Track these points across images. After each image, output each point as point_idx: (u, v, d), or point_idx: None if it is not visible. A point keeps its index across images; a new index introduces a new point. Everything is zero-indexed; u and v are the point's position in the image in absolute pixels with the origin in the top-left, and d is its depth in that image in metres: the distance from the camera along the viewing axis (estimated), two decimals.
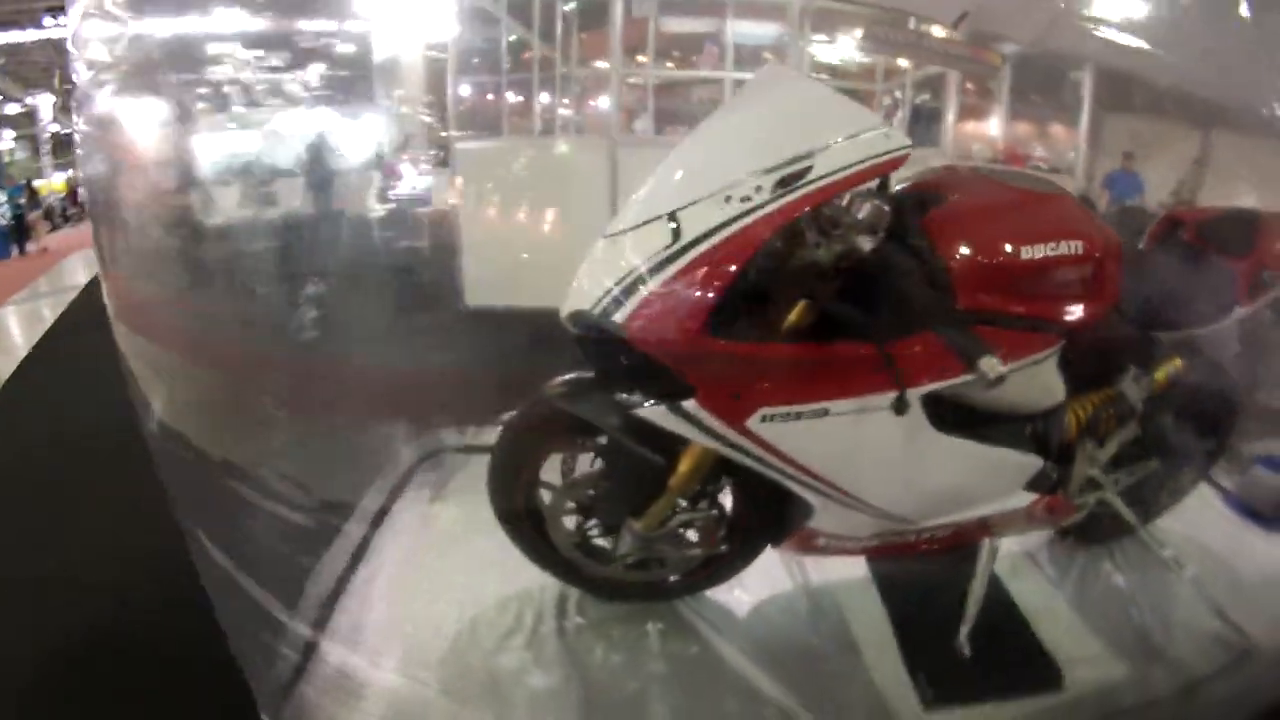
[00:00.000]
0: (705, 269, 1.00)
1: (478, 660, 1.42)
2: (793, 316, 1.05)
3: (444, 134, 2.98)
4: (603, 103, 3.81)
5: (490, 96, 3.01)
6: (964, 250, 1.09)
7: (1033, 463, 1.28)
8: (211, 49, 2.00)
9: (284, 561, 1.52)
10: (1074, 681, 1.36)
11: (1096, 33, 1.44)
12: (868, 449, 1.14)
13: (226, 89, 2.16)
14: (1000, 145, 3.28)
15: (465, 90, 2.79)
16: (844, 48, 4.10)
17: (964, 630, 1.43)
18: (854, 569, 1.64)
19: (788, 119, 1.11)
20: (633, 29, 3.72)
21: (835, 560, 1.56)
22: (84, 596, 2.03)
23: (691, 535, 1.40)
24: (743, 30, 4.16)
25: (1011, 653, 1.44)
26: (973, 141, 3.46)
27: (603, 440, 1.36)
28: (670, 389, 1.10)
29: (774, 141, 1.05)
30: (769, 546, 1.47)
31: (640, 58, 4.07)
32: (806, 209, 0.99)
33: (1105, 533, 1.67)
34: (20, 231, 11.13)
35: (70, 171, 16.44)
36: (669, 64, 4.48)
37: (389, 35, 2.33)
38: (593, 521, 1.45)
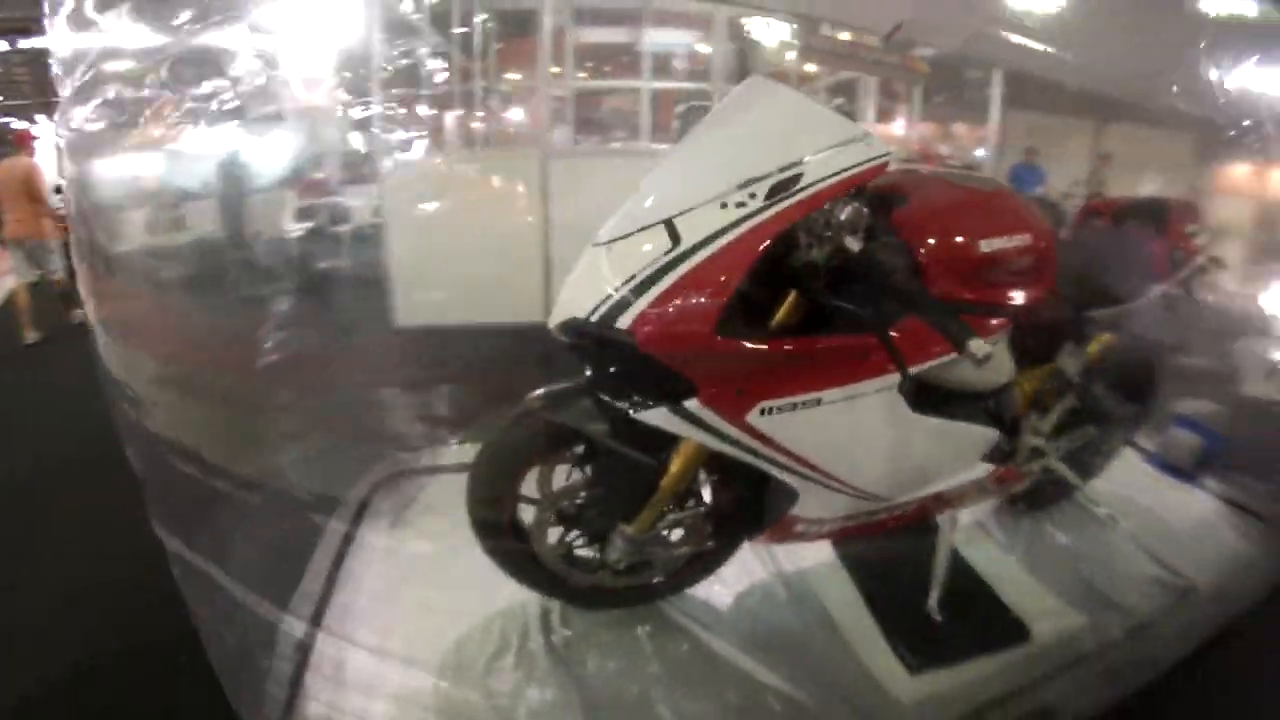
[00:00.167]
0: (713, 272, 1.06)
1: (472, 686, 1.41)
2: (782, 312, 1.13)
3: (366, 149, 2.92)
4: (519, 114, 3.85)
5: (415, 110, 2.98)
6: (931, 244, 1.21)
7: (991, 435, 1.41)
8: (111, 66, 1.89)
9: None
10: (1039, 634, 1.51)
11: (1010, 40, 1.62)
12: (854, 433, 1.23)
13: (129, 106, 2.05)
14: (914, 145, 3.54)
15: (390, 103, 2.74)
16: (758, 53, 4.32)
17: (933, 598, 1.56)
18: (821, 554, 1.75)
19: (775, 129, 1.18)
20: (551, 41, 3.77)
21: (804, 547, 1.66)
22: None
23: (679, 534, 1.44)
24: (659, 39, 4.30)
25: (979, 614, 1.58)
26: (888, 143, 3.70)
27: (587, 449, 1.39)
28: (670, 391, 1.14)
29: (763, 151, 1.12)
30: (748, 539, 1.53)
31: (554, 69, 4.12)
32: (804, 213, 1.07)
33: (1046, 498, 1.85)
34: None
35: None
36: (581, 74, 4.56)
37: (307, 47, 2.27)
38: (577, 531, 1.46)
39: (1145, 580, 1.64)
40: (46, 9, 1.35)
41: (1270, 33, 1.56)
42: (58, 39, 1.38)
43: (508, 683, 1.42)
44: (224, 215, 2.45)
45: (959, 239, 1.24)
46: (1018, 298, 1.30)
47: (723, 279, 1.06)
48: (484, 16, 3.46)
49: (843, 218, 1.05)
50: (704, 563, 1.55)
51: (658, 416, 1.16)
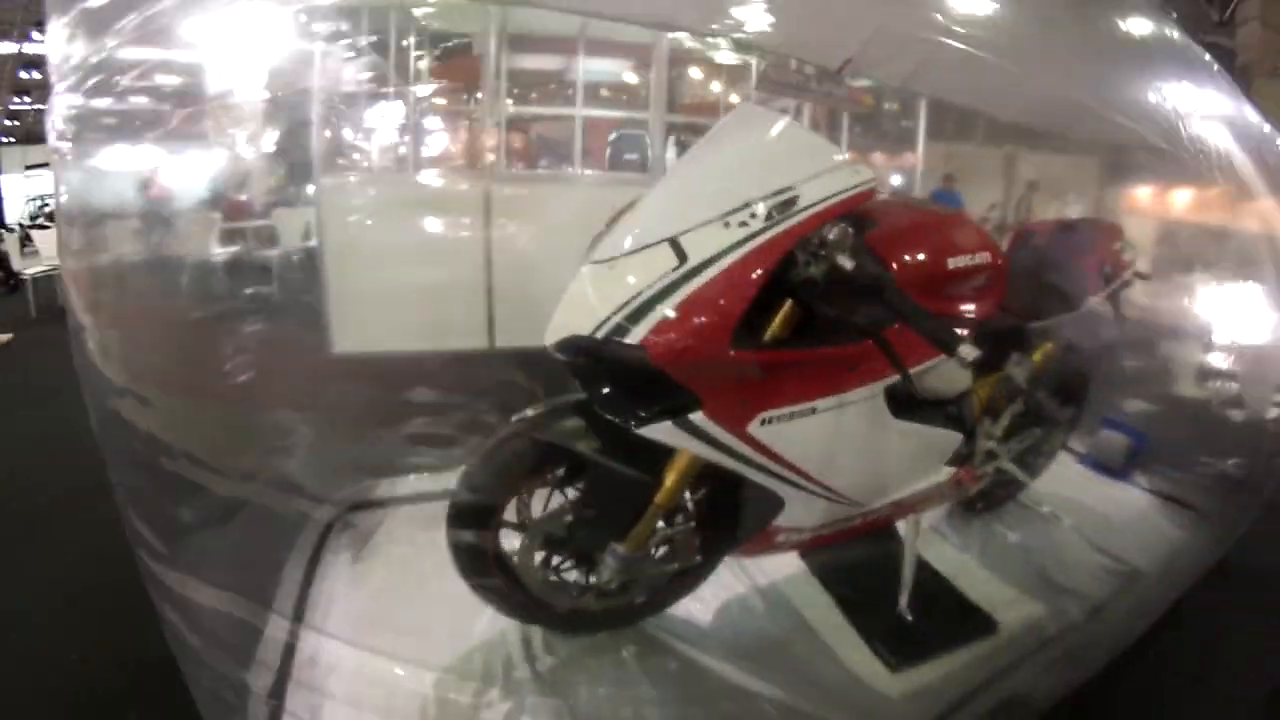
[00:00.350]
0: (725, 287, 1.11)
1: None
2: (776, 324, 1.19)
3: (286, 173, 2.83)
4: (454, 139, 3.83)
5: (355, 133, 2.91)
6: (904, 261, 1.31)
7: (955, 439, 1.53)
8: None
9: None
10: (1005, 624, 1.62)
11: (946, 74, 1.79)
12: (842, 439, 1.31)
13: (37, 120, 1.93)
14: None
15: (328, 125, 2.68)
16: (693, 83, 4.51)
17: (903, 599, 1.65)
18: (790, 565, 1.82)
19: (768, 154, 1.25)
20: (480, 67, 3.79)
21: (773, 560, 1.73)
22: None
23: (668, 551, 1.47)
24: (593, 68, 4.40)
25: (946, 610, 1.69)
26: None
27: (574, 470, 1.40)
28: (674, 405, 1.18)
29: (759, 174, 1.19)
30: (730, 552, 1.57)
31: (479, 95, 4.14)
32: (805, 233, 1.14)
33: (996, 499, 2.00)
34: None
35: None
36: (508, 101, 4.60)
37: (238, 65, 2.20)
38: (564, 555, 1.47)
39: (1094, 567, 1.80)
40: None
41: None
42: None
43: (498, 717, 1.39)
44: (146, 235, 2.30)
45: (928, 257, 1.35)
46: (977, 310, 1.42)
47: (735, 294, 1.11)
48: (416, 40, 3.46)
49: (832, 237, 1.12)
50: (686, 580, 1.58)
51: (661, 431, 1.19)
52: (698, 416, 1.17)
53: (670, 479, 1.32)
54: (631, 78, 4.60)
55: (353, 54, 2.79)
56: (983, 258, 1.38)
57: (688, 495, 1.44)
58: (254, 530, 1.71)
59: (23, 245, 7.76)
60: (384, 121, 3.17)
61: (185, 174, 2.54)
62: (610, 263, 1.20)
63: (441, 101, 3.47)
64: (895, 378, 1.30)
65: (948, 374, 1.44)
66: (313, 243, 2.91)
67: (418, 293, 2.92)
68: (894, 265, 1.29)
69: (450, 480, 2.09)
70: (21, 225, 8.89)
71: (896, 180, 4.12)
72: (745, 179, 1.19)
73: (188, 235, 2.58)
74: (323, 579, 1.76)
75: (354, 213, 2.89)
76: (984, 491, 1.90)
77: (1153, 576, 1.72)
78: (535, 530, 1.42)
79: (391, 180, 3.24)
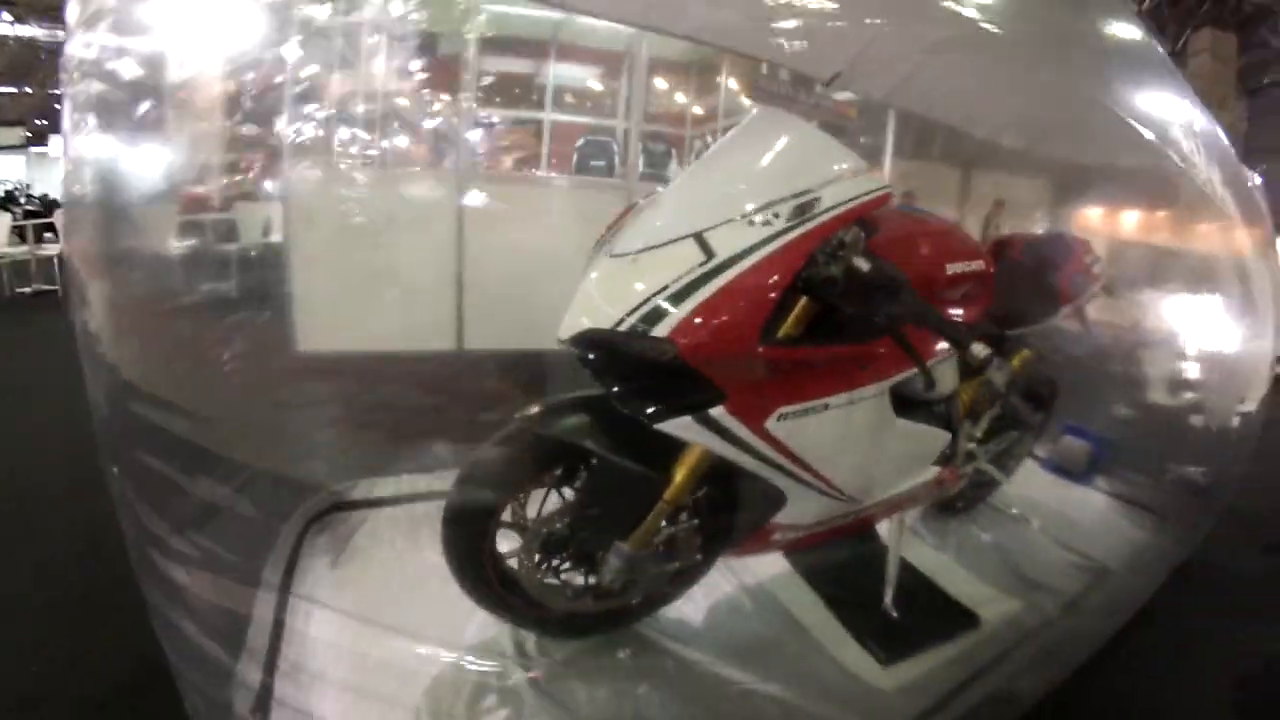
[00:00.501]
0: (755, 283, 1.14)
1: None
2: (791, 321, 1.21)
3: (251, 166, 2.72)
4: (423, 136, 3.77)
5: (324, 126, 2.82)
6: (908, 266, 1.35)
7: (945, 438, 1.59)
8: None
9: None
10: (986, 619, 1.69)
11: (924, 91, 1.88)
12: (849, 436, 1.35)
13: None
14: None
15: (298, 117, 2.59)
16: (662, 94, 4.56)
17: (888, 596, 1.71)
18: (775, 566, 1.86)
19: (789, 156, 1.29)
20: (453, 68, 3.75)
21: (756, 561, 1.76)
22: None
23: (669, 550, 1.46)
24: (563, 73, 4.41)
25: (931, 607, 1.75)
26: None
27: (579, 468, 1.40)
28: (696, 400, 1.19)
29: (781, 175, 1.23)
30: (727, 550, 1.59)
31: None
32: (828, 234, 1.18)
33: (971, 500, 2.09)
34: None
35: None
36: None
37: (203, 52, 2.11)
38: (562, 556, 1.45)
39: (1065, 565, 1.90)
40: None
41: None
42: None
43: None
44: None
45: (928, 262, 1.41)
46: (966, 315, 1.49)
47: (764, 291, 1.14)
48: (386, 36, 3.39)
49: (849, 239, 1.16)
50: (683, 580, 1.59)
51: (680, 425, 1.21)
52: (719, 411, 1.19)
53: (679, 475, 1.33)
54: (601, 85, 4.63)
55: (327, 46, 2.72)
56: (976, 265, 1.45)
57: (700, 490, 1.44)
58: None
59: None
60: (357, 118, 3.09)
61: (142, 164, 2.42)
62: (633, 256, 1.20)
63: (409, 101, 3.40)
64: (899, 377, 1.34)
65: (940, 375, 1.50)
66: (275, 238, 2.81)
67: (387, 292, 2.86)
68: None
69: (432, 482, 2.09)
70: None
71: None
72: (768, 179, 1.23)
73: (142, 228, 2.46)
74: (302, 584, 1.69)
75: (324, 208, 2.80)
76: (962, 492, 1.97)
77: (1119, 574, 1.82)
78: (536, 530, 1.40)
79: (363, 177, 3.16)
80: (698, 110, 5.20)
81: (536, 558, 1.42)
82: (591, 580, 1.46)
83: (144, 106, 1.82)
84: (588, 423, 1.34)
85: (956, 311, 1.49)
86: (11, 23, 11.25)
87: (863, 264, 1.15)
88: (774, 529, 1.51)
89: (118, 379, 1.41)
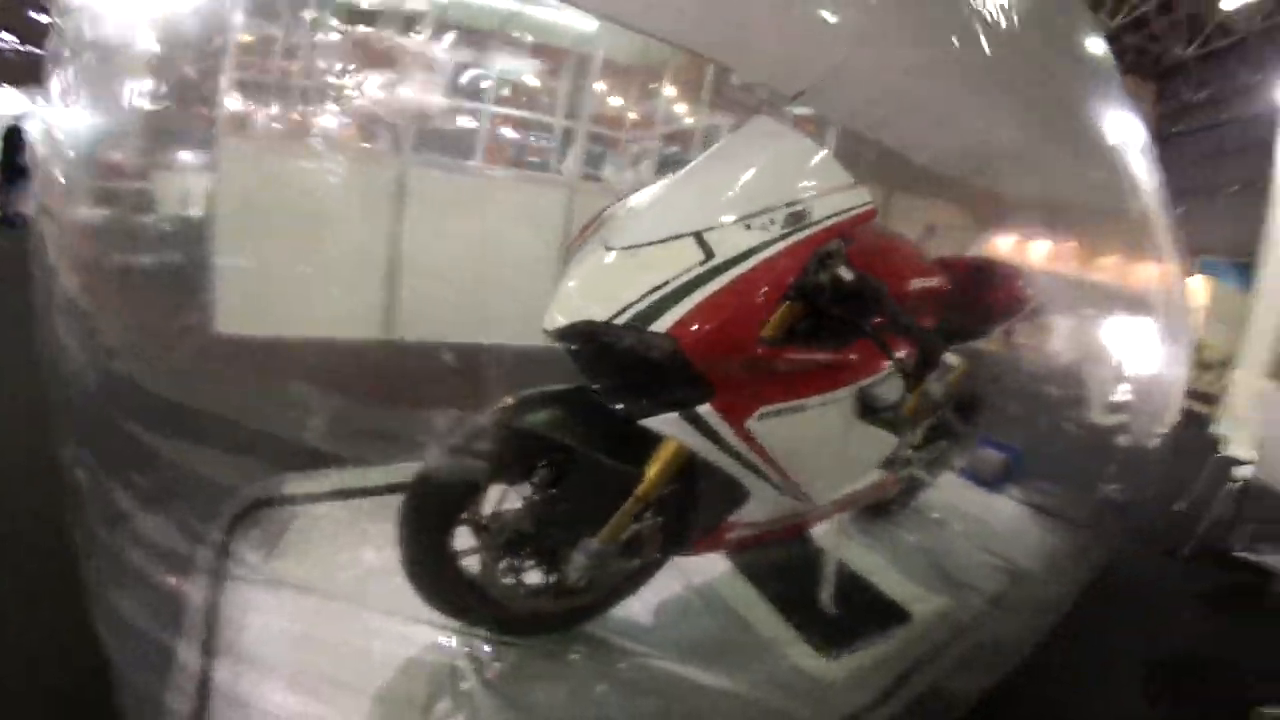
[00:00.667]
0: (757, 285, 1.17)
1: None
2: (774, 325, 1.25)
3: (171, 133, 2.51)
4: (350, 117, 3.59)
5: (263, 100, 2.62)
6: (884, 277, 1.43)
7: (893, 442, 1.68)
8: None
9: None
10: (918, 614, 1.80)
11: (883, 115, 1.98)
12: (819, 437, 1.41)
13: None
14: None
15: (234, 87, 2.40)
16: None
17: (826, 593, 1.78)
18: (718, 566, 1.90)
19: (782, 165, 1.33)
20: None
21: (697, 561, 1.78)
22: None
23: (633, 547, 1.47)
24: (505, 66, 4.32)
25: (866, 604, 1.85)
26: None
27: (550, 463, 1.38)
28: (684, 397, 1.21)
29: (774, 183, 1.27)
30: (683, 548, 1.61)
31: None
32: (821, 243, 1.22)
33: (899, 504, 2.21)
34: None
35: None
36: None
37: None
38: (526, 554, 1.44)
39: (986, 566, 2.04)
40: None
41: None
42: None
43: None
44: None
45: (895, 276, 1.48)
46: (926, 326, 1.58)
47: (767, 293, 1.18)
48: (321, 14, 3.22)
49: (834, 250, 1.22)
50: (638, 577, 1.60)
51: (666, 422, 1.23)
52: (705, 409, 1.22)
53: (653, 472, 1.34)
54: (544, 81, 4.57)
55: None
56: (934, 282, 1.54)
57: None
58: None
59: None
60: (295, 91, 2.91)
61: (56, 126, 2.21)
62: (630, 251, 1.21)
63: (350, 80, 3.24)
64: (865, 382, 1.41)
65: (890, 383, 1.58)
66: (195, 212, 2.60)
67: (316, 274, 2.71)
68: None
69: (366, 477, 1.99)
70: None
71: None
72: (763, 186, 1.27)
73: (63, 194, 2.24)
74: (232, 587, 1.57)
75: (256, 182, 2.61)
76: (896, 496, 2.09)
77: (1039, 576, 1.98)
78: (502, 527, 1.38)
79: (299, 151, 2.97)
80: (639, 113, 5.24)
81: (499, 556, 1.40)
82: (554, 578, 1.45)
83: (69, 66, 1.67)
84: (563, 417, 1.33)
85: (924, 323, 1.58)
86: None
87: (847, 274, 1.21)
88: (730, 527, 1.56)
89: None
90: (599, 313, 1.17)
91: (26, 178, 2.09)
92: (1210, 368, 7.21)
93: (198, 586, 1.50)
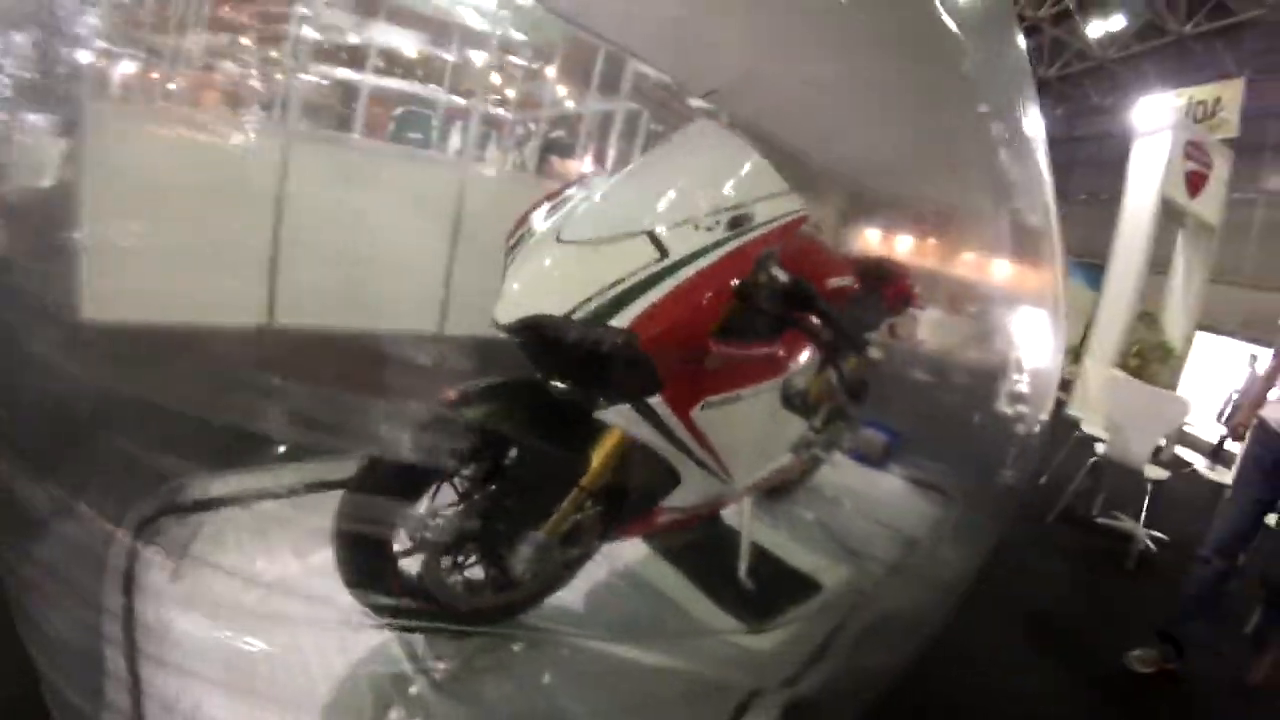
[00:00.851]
0: (710, 284, 1.23)
1: None
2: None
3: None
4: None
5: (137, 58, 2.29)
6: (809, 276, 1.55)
7: (803, 428, 1.83)
8: None
9: None
10: (828, 583, 1.97)
11: (793, 120, 2.10)
12: (750, 424, 1.52)
13: None
14: None
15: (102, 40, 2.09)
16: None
17: (743, 569, 1.92)
18: (637, 550, 1.99)
19: (725, 170, 1.39)
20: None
21: (619, 546, 1.86)
22: None
23: (574, 536, 1.50)
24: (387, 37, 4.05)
25: (777, 577, 2.00)
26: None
27: (496, 457, 1.39)
28: (637, 388, 1.27)
29: (717, 187, 1.34)
30: (614, 534, 1.66)
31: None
32: (764, 246, 1.30)
33: (802, 483, 2.40)
34: None
35: None
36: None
37: None
38: (469, 550, 1.44)
39: (881, 537, 2.27)
40: None
41: None
42: None
43: None
44: None
45: (816, 276, 1.61)
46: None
47: (718, 292, 1.25)
48: None
49: (770, 251, 1.31)
50: (573, 566, 1.64)
51: (619, 412, 1.29)
52: (655, 400, 1.29)
53: (597, 461, 1.38)
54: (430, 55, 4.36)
55: None
56: (847, 281, 1.70)
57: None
58: None
59: None
60: (169, 55, 2.59)
61: None
62: (586, 246, 1.24)
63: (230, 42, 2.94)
64: (789, 373, 1.54)
65: (806, 373, 1.73)
66: (48, 183, 2.27)
67: (192, 255, 2.48)
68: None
69: (270, 480, 1.88)
70: None
71: None
72: (708, 188, 1.34)
73: None
74: (145, 603, 1.44)
75: (128, 152, 2.32)
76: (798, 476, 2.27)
77: (928, 545, 2.23)
78: (447, 524, 1.37)
79: (177, 119, 2.67)
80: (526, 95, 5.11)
81: (442, 553, 1.39)
82: (496, 573, 1.45)
83: None
84: (508, 410, 1.35)
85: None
86: None
87: (781, 275, 1.31)
88: (660, 512, 1.64)
89: None
90: (556, 306, 1.20)
91: None
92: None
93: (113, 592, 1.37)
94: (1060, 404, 5.55)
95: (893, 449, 2.76)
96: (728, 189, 1.35)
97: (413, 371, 1.73)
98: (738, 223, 1.30)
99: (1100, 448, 3.82)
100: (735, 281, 1.28)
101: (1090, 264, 8.76)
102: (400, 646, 1.47)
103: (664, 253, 1.24)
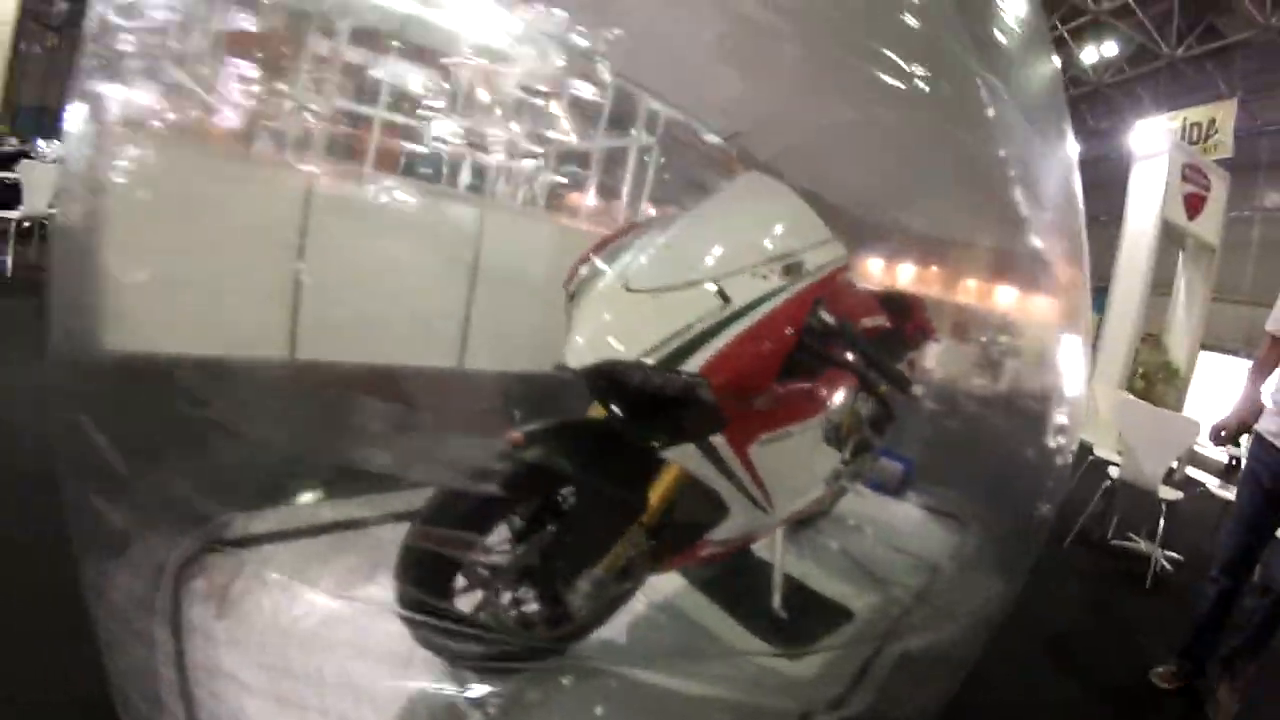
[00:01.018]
0: (772, 330, 1.31)
1: None
2: None
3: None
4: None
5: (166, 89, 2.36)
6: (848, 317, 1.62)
7: (837, 459, 1.89)
8: None
9: None
10: (859, 611, 2.03)
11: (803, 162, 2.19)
12: (797, 459, 1.59)
13: None
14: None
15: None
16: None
17: (776, 599, 1.98)
18: (674, 583, 2.04)
19: (781, 220, 1.48)
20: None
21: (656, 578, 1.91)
22: None
23: (630, 570, 1.55)
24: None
25: (809, 605, 2.06)
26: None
27: (554, 496, 1.46)
28: (703, 429, 1.34)
29: (770, 236, 1.43)
30: (663, 566, 1.70)
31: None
32: (819, 293, 1.39)
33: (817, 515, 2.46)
34: None
35: None
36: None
37: None
38: (529, 588, 1.49)
39: (904, 564, 2.33)
40: None
41: None
42: None
43: None
44: None
45: (854, 316, 1.70)
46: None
47: (783, 337, 1.33)
48: None
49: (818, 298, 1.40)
50: (622, 599, 1.66)
51: (683, 452, 1.36)
52: (718, 439, 1.36)
53: (655, 498, 1.46)
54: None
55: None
56: (880, 320, 1.78)
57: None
58: None
59: None
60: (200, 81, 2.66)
61: None
62: (651, 294, 1.32)
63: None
64: (831, 409, 1.62)
65: (841, 407, 1.80)
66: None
67: (220, 287, 2.53)
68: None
69: (306, 515, 1.93)
70: None
71: None
72: (762, 238, 1.42)
73: None
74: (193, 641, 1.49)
75: (153, 180, 2.36)
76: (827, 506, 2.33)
77: (951, 570, 2.28)
78: (511, 561, 1.43)
79: (207, 150, 2.74)
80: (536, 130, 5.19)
81: (503, 591, 1.45)
82: (553, 609, 1.49)
83: None
84: (572, 450, 1.41)
85: None
86: None
87: (828, 317, 1.39)
88: (705, 545, 1.69)
89: None
90: (624, 353, 1.27)
91: None
92: None
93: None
94: None
95: (908, 478, 2.82)
96: (780, 238, 1.43)
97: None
98: (790, 270, 1.38)
99: (1114, 471, 3.89)
100: (793, 328, 1.36)
101: (1093, 287, 8.88)
102: (452, 681, 1.50)
103: (727, 301, 1.31)
